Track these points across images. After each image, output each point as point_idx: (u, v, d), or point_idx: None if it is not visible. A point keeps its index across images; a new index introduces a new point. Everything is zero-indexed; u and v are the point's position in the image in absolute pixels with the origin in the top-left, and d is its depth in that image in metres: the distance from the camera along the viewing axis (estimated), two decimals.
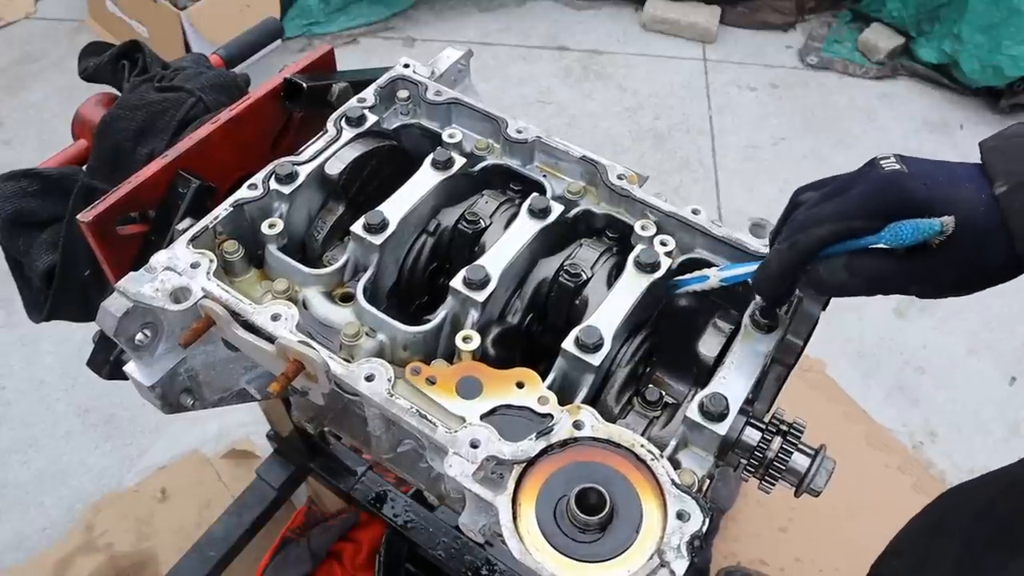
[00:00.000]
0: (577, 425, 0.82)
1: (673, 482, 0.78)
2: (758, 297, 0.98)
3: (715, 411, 0.85)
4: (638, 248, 1.01)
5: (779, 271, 0.84)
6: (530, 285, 1.02)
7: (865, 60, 3.75)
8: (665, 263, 1.00)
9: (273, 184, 1.05)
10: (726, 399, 0.86)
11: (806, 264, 0.82)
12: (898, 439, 2.49)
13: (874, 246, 0.78)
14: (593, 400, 0.93)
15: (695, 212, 1.03)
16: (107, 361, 1.17)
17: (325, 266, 1.04)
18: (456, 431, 0.82)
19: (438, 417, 0.84)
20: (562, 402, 0.86)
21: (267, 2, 3.53)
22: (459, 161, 1.09)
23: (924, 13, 3.61)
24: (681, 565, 0.73)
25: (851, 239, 0.79)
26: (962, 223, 0.73)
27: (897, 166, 0.78)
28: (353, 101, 1.17)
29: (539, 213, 1.03)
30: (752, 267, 0.90)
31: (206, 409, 1.04)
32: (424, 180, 1.07)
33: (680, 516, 0.76)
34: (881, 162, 0.80)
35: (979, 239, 0.74)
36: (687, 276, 0.99)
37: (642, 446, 0.80)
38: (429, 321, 0.96)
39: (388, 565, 1.88)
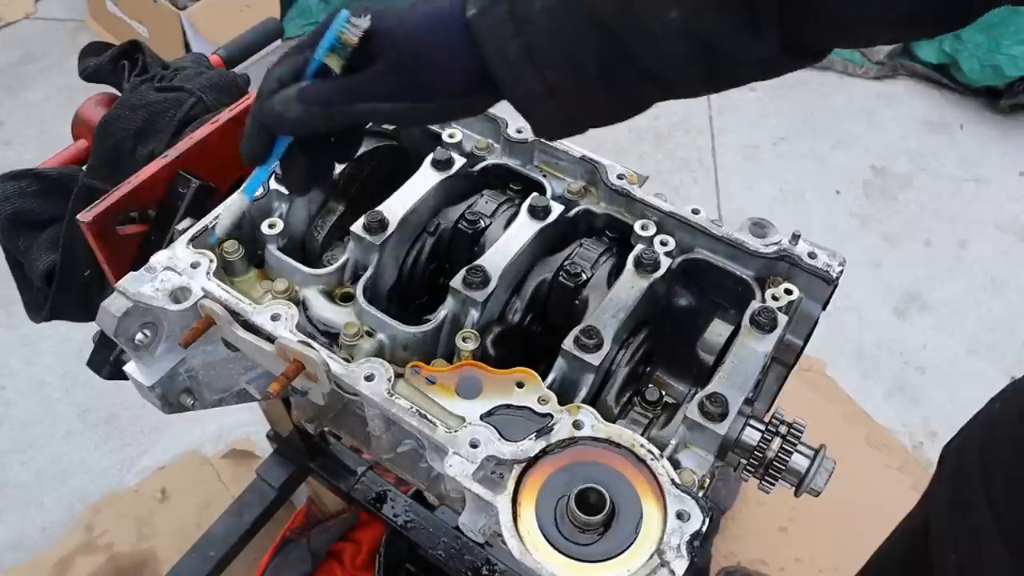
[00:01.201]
0: (577, 425, 0.82)
1: (673, 482, 0.78)
2: (754, 302, 0.98)
3: (715, 411, 0.85)
4: (638, 248, 1.01)
5: (249, 125, 0.81)
6: (530, 285, 1.03)
7: (865, 60, 3.75)
8: (665, 263, 1.00)
9: (273, 184, 1.05)
10: (726, 399, 0.86)
11: (272, 116, 0.79)
12: (898, 439, 2.49)
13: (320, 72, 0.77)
14: (593, 400, 0.93)
15: (695, 212, 1.03)
16: (107, 361, 1.17)
17: (325, 266, 1.04)
18: (456, 431, 0.82)
19: (438, 417, 0.84)
20: (562, 402, 0.86)
21: (267, 2, 3.53)
22: (459, 161, 1.09)
23: None
24: (681, 565, 0.73)
25: (304, 71, 0.78)
26: (380, 22, 0.75)
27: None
28: None
29: (539, 213, 1.03)
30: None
31: (206, 409, 1.04)
32: (424, 180, 1.07)
33: (680, 516, 0.76)
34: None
35: (434, 52, 0.73)
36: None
37: (642, 446, 0.80)
38: (429, 321, 0.96)
39: (388, 565, 1.88)
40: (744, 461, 0.89)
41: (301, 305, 0.98)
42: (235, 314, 0.92)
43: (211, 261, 0.95)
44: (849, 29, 0.70)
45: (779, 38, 0.68)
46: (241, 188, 0.93)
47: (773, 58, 0.70)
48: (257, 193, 0.95)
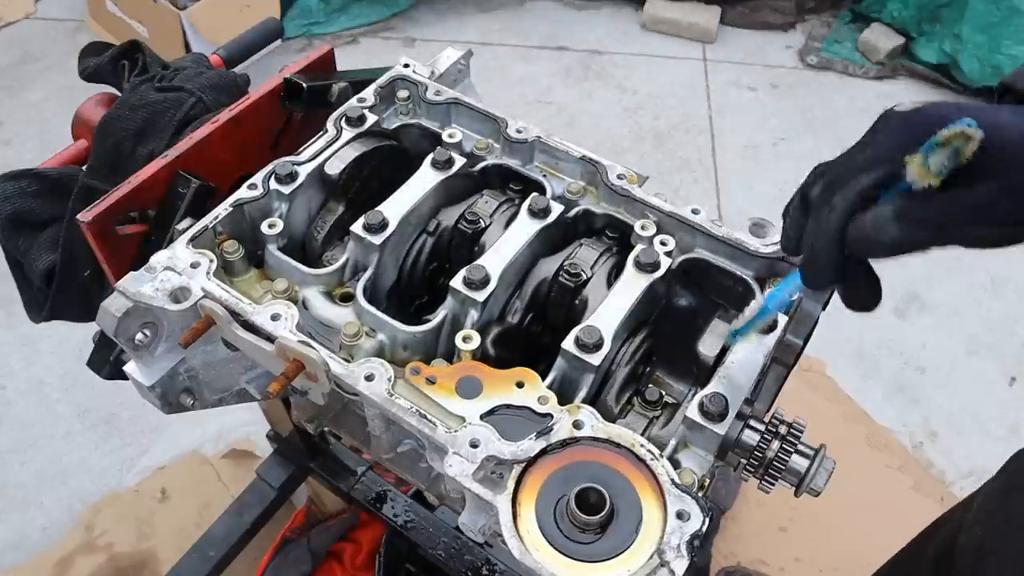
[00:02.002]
0: (577, 425, 0.82)
1: (673, 482, 0.78)
2: (754, 302, 0.98)
3: (715, 411, 0.85)
4: (638, 248, 1.01)
5: (826, 248, 0.74)
6: (530, 285, 1.02)
7: (865, 60, 3.75)
8: (665, 263, 1.00)
9: (273, 184, 1.05)
10: (726, 399, 0.86)
11: (846, 228, 0.72)
12: (898, 439, 2.49)
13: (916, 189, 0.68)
14: (593, 400, 0.93)
15: (695, 212, 1.03)
16: (107, 361, 1.17)
17: (325, 266, 1.04)
18: (456, 431, 0.82)
19: (438, 417, 0.84)
20: (562, 402, 0.86)
21: (267, 2, 3.53)
22: (459, 161, 1.09)
23: (924, 13, 3.62)
24: (681, 565, 0.73)
25: (893, 182, 0.70)
26: (1001, 134, 0.65)
27: (917, 106, 0.71)
28: (353, 101, 1.17)
29: (539, 213, 1.03)
30: (793, 279, 0.82)
31: (206, 409, 1.04)
32: (424, 180, 1.07)
33: (680, 516, 0.76)
34: (895, 107, 0.73)
35: (1018, 153, 0.66)
36: (743, 322, 0.91)
37: (642, 446, 0.80)
38: (429, 321, 0.96)
39: (388, 565, 1.88)
40: (744, 461, 0.89)
41: (301, 305, 0.98)
42: (235, 314, 0.92)
43: (211, 261, 0.95)
44: None
45: None
46: (766, 294, 0.88)
47: None
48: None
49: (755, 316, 0.90)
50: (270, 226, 1.02)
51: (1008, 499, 1.20)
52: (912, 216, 0.69)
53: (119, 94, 1.28)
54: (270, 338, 0.90)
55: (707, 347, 1.00)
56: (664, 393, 0.99)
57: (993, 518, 1.22)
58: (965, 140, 0.65)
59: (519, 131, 1.13)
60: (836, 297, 1.01)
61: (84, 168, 1.23)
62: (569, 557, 0.74)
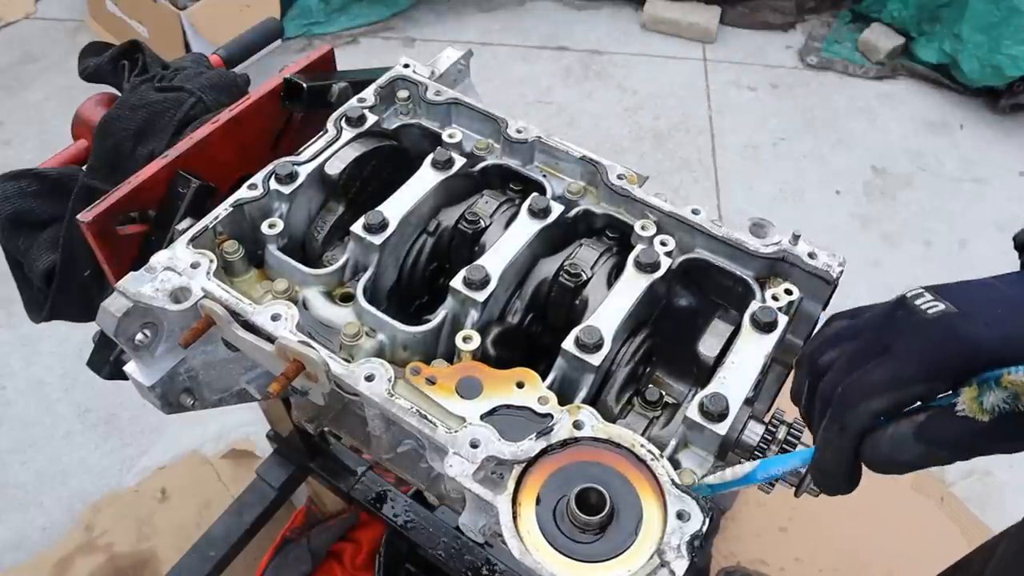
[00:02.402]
0: (577, 425, 0.82)
1: (673, 482, 0.78)
2: (754, 302, 0.98)
3: (715, 411, 0.85)
4: (638, 248, 1.01)
5: (836, 462, 0.69)
6: (530, 285, 1.02)
7: (865, 60, 3.75)
8: (665, 263, 1.00)
9: (273, 184, 1.05)
10: (726, 399, 0.86)
11: (863, 443, 0.67)
12: None
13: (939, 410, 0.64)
14: (593, 400, 0.93)
15: (695, 212, 1.03)
16: (107, 361, 1.17)
17: (325, 266, 1.04)
18: (456, 431, 0.82)
19: (438, 417, 0.84)
20: (562, 402, 0.86)
21: (267, 2, 3.53)
22: (459, 161, 1.09)
23: (924, 13, 3.62)
24: (681, 565, 0.73)
25: (912, 406, 0.65)
26: None
27: (941, 306, 0.64)
28: (353, 101, 1.17)
29: (539, 213, 1.03)
30: (795, 460, 0.78)
31: (206, 409, 1.04)
32: (424, 180, 1.07)
33: (680, 516, 0.76)
34: (918, 303, 0.66)
35: None
36: (721, 480, 0.83)
37: (642, 446, 0.80)
38: (429, 321, 0.96)
39: (388, 565, 1.88)
40: (744, 461, 0.89)
41: (301, 305, 0.98)
42: (235, 314, 0.92)
43: (211, 261, 0.95)
44: None
45: None
46: (758, 462, 0.81)
47: None
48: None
49: (738, 480, 0.82)
50: (270, 226, 1.02)
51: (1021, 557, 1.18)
52: (937, 438, 0.64)
53: (119, 94, 1.28)
54: (270, 338, 0.90)
55: (707, 347, 1.00)
56: (664, 393, 0.99)
57: (1013, 571, 1.20)
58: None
59: (519, 131, 1.13)
60: (836, 297, 1.01)
61: (84, 168, 1.23)
62: (569, 557, 0.74)
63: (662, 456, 0.80)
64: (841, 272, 0.98)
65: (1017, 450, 0.66)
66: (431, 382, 0.87)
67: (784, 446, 0.88)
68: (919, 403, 0.65)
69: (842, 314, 0.75)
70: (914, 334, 0.65)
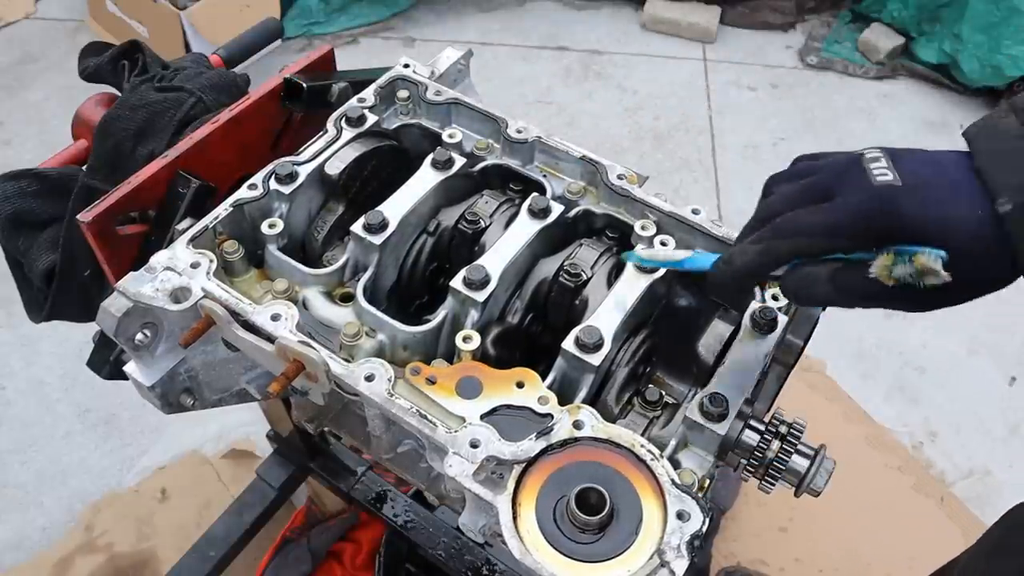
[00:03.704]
0: (577, 425, 0.82)
1: (673, 482, 0.78)
2: (754, 302, 0.97)
3: (715, 411, 0.85)
4: (638, 248, 1.01)
5: (744, 273, 0.77)
6: (530, 285, 1.02)
7: (865, 60, 3.75)
8: None
9: (273, 184, 1.05)
10: (726, 399, 0.86)
11: (777, 269, 0.75)
12: (898, 439, 2.49)
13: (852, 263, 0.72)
14: (593, 400, 0.93)
15: (695, 212, 1.03)
16: (107, 361, 1.17)
17: (325, 266, 1.04)
18: (456, 431, 0.82)
19: (438, 417, 0.84)
20: (562, 402, 0.86)
21: (267, 2, 3.53)
22: (459, 161, 1.09)
23: (924, 13, 3.62)
24: (681, 565, 0.73)
25: (832, 255, 0.72)
26: (960, 250, 0.67)
27: (889, 176, 0.70)
28: (353, 101, 1.17)
29: (539, 213, 1.03)
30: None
31: (206, 409, 1.04)
32: (424, 180, 1.07)
33: (680, 516, 0.76)
34: (871, 166, 0.71)
35: (977, 263, 0.68)
36: (650, 256, 0.94)
37: (642, 446, 0.80)
38: (429, 321, 0.96)
39: (388, 565, 1.88)
40: (744, 461, 0.89)
41: (301, 305, 0.98)
42: (235, 314, 0.92)
43: (211, 261, 0.95)
44: None
45: None
46: (693, 251, 0.89)
47: None
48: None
49: (669, 261, 0.91)
50: (270, 226, 1.02)
51: (991, 559, 1.19)
52: (847, 287, 0.72)
53: (119, 94, 1.28)
54: (270, 338, 0.90)
55: (707, 347, 1.00)
56: (664, 393, 0.99)
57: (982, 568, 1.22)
58: (935, 275, 0.67)
59: (519, 131, 1.13)
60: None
61: (84, 168, 1.23)
62: (569, 557, 0.74)
63: (662, 456, 0.80)
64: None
65: (907, 311, 0.74)
66: (431, 382, 0.87)
67: (785, 446, 0.88)
68: (840, 254, 0.72)
69: (807, 156, 0.80)
70: (856, 194, 0.70)
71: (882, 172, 0.70)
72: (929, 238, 0.67)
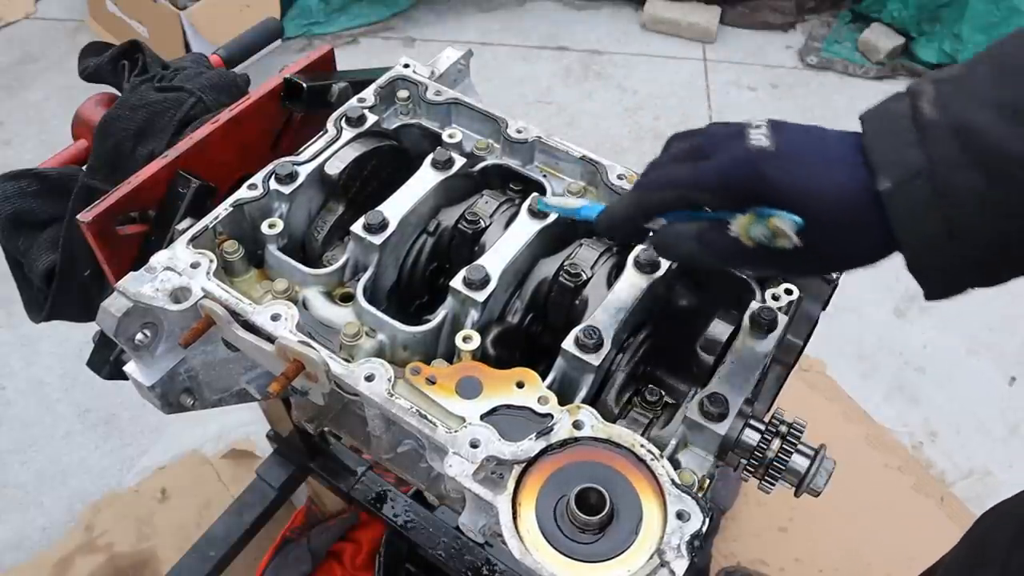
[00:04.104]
0: (577, 425, 0.82)
1: (673, 482, 0.78)
2: (754, 302, 0.97)
3: (715, 411, 0.85)
4: (638, 248, 1.01)
5: (621, 221, 0.82)
6: (530, 285, 1.02)
7: (865, 60, 3.75)
8: (665, 263, 1.00)
9: (273, 184, 1.05)
10: (726, 399, 0.86)
11: (649, 219, 0.79)
12: (898, 439, 2.49)
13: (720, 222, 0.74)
14: (593, 400, 0.93)
15: None
16: (107, 361, 1.17)
17: (325, 266, 1.04)
18: (456, 431, 0.82)
19: (438, 417, 0.84)
20: (562, 402, 0.86)
21: (267, 2, 3.53)
22: (459, 161, 1.09)
23: (924, 13, 3.62)
24: (681, 565, 0.73)
25: (698, 211, 0.76)
26: (820, 220, 0.68)
27: (765, 142, 0.72)
28: (353, 101, 1.17)
29: (539, 213, 1.03)
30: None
31: (206, 409, 1.04)
32: (424, 180, 1.07)
33: (680, 516, 0.76)
34: (751, 132, 0.74)
35: (842, 237, 0.70)
36: (556, 203, 0.98)
37: (642, 446, 0.80)
38: (429, 321, 0.96)
39: (388, 565, 1.88)
40: (744, 461, 0.89)
41: (301, 305, 0.98)
42: (235, 314, 0.92)
43: (211, 261, 0.95)
44: None
45: None
46: (591, 201, 0.93)
47: None
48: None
49: (567, 208, 0.95)
50: (270, 226, 1.02)
51: (972, 572, 1.19)
52: (710, 244, 0.75)
53: (119, 94, 1.28)
54: (270, 338, 0.90)
55: (707, 347, 1.00)
56: (664, 393, 0.99)
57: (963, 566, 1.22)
58: (787, 238, 0.69)
59: (519, 131, 1.13)
60: (836, 297, 1.01)
61: (84, 168, 1.23)
62: (569, 557, 0.74)
63: (662, 456, 0.80)
64: (841, 272, 0.98)
65: (768, 275, 0.83)
66: (431, 382, 0.87)
67: (785, 445, 0.88)
68: (709, 212, 0.75)
69: (720, 123, 0.81)
70: (729, 155, 0.73)
71: (758, 138, 0.73)
72: (790, 204, 0.69)
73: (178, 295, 0.93)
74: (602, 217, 0.85)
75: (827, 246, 0.71)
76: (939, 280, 0.72)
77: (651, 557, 0.74)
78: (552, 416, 0.83)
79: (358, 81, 1.23)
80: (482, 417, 0.84)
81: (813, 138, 0.75)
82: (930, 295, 0.75)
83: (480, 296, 0.95)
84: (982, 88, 0.66)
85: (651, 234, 0.82)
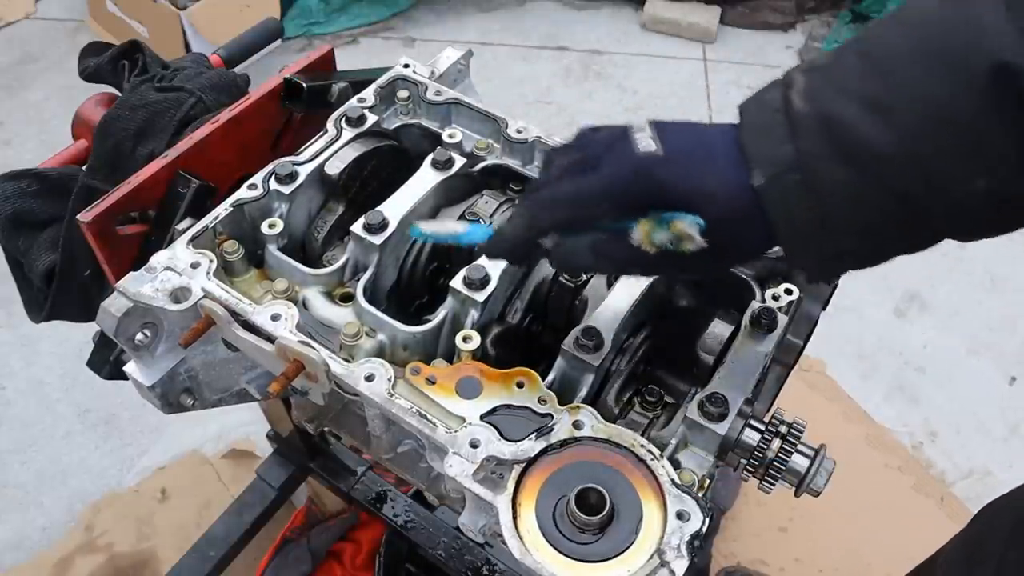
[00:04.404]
0: (577, 425, 0.82)
1: (673, 482, 0.78)
2: (754, 302, 0.98)
3: (715, 411, 0.85)
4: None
5: (512, 244, 0.80)
6: (530, 285, 1.02)
7: None
8: None
9: (273, 184, 1.05)
10: (726, 399, 0.86)
11: (543, 238, 0.77)
12: (898, 439, 2.49)
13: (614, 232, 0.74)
14: (593, 400, 0.93)
15: None
16: (107, 361, 1.17)
17: (325, 266, 1.04)
18: (456, 431, 0.82)
19: (438, 417, 0.84)
20: (562, 402, 0.86)
21: (267, 2, 3.53)
22: (459, 161, 1.09)
23: None
24: (681, 565, 0.73)
25: (597, 222, 0.75)
26: (715, 218, 0.69)
27: (653, 146, 0.72)
28: (353, 101, 1.17)
29: None
30: (484, 232, 0.86)
31: (206, 409, 1.04)
32: (424, 180, 1.07)
33: (680, 516, 0.76)
34: (636, 136, 0.74)
35: (736, 233, 0.71)
36: (431, 230, 0.93)
37: (642, 446, 0.80)
38: (429, 321, 0.96)
39: (388, 565, 1.88)
40: (744, 461, 0.89)
41: (301, 305, 0.98)
42: (235, 314, 0.92)
43: (211, 261, 0.95)
44: None
45: None
46: (469, 227, 0.90)
47: None
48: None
49: (444, 236, 0.91)
50: (270, 226, 1.02)
51: (972, 572, 1.20)
52: (608, 255, 0.75)
53: (119, 94, 1.28)
54: (270, 338, 0.90)
55: (707, 347, 1.00)
56: (664, 393, 0.99)
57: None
58: (691, 240, 0.69)
59: (519, 131, 1.13)
60: (836, 297, 1.01)
61: (84, 168, 1.23)
62: (569, 557, 0.74)
63: (662, 456, 0.80)
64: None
65: (672, 277, 0.84)
66: (431, 382, 0.87)
67: (785, 445, 0.88)
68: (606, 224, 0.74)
69: (590, 128, 0.82)
70: (618, 163, 0.72)
71: (646, 143, 0.73)
72: (687, 206, 0.70)
73: (178, 295, 0.93)
74: (494, 242, 0.82)
75: (723, 243, 0.72)
76: (815, 267, 0.74)
77: (651, 557, 0.74)
78: (552, 416, 0.84)
79: (358, 81, 1.23)
80: (482, 417, 0.84)
81: (697, 137, 0.74)
82: (811, 279, 0.81)
83: (480, 296, 0.95)
84: (849, 79, 0.67)
85: (547, 250, 0.79)
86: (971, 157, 0.64)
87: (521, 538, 0.75)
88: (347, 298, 1.00)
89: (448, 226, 0.92)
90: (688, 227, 0.69)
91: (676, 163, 0.71)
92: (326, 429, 1.10)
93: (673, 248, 0.70)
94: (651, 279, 0.98)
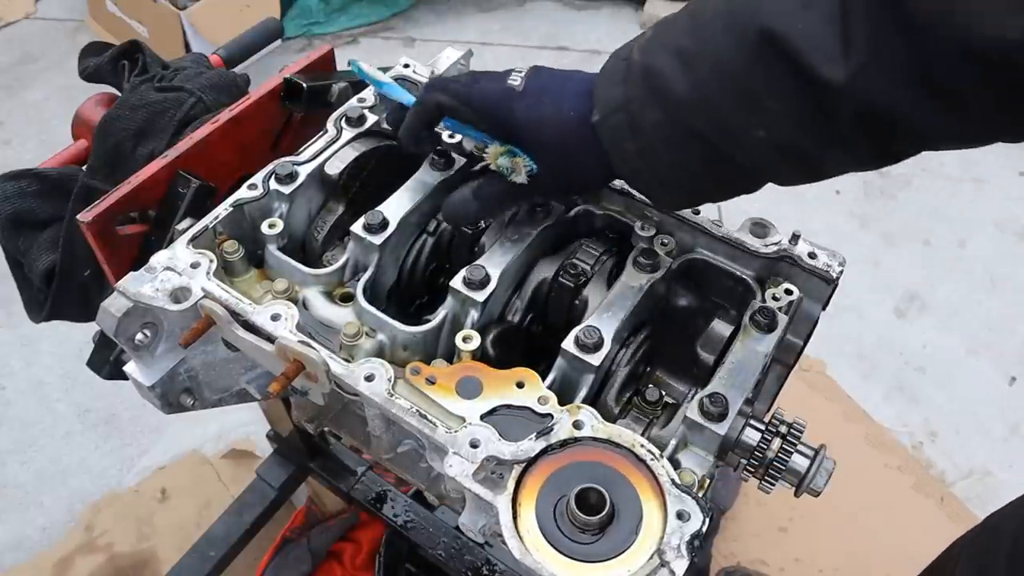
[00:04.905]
0: (577, 425, 0.82)
1: (673, 482, 0.78)
2: (754, 302, 0.98)
3: (715, 411, 0.85)
4: (638, 248, 1.01)
5: (410, 122, 0.96)
6: (530, 285, 1.03)
7: None
8: (665, 263, 1.00)
9: (273, 184, 1.05)
10: (726, 399, 0.86)
11: (433, 123, 0.95)
12: (898, 439, 2.49)
13: (491, 173, 0.91)
14: (593, 400, 0.93)
15: (695, 212, 1.03)
16: (107, 361, 1.17)
17: (325, 266, 1.04)
18: (456, 431, 0.82)
19: (438, 417, 0.84)
20: (562, 402, 0.86)
21: (267, 2, 3.53)
22: (459, 161, 1.09)
23: None
24: (681, 565, 0.73)
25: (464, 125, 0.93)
26: (548, 147, 0.85)
27: (516, 83, 0.87)
28: (353, 101, 1.17)
29: (539, 213, 1.03)
30: (408, 100, 1.01)
31: (206, 409, 1.04)
32: (424, 180, 1.07)
33: (680, 516, 0.76)
34: (512, 73, 0.89)
35: (573, 159, 0.86)
36: (369, 72, 1.08)
37: (642, 446, 0.80)
38: (429, 321, 0.96)
39: (388, 565, 1.88)
40: (744, 461, 0.89)
41: (301, 305, 0.98)
42: (235, 314, 0.92)
43: (211, 261, 0.95)
44: (935, 143, 0.75)
45: (868, 150, 0.74)
46: (394, 86, 1.05)
47: (862, 163, 0.78)
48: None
49: (372, 79, 1.07)
50: (270, 226, 1.02)
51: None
52: (486, 195, 0.93)
53: (119, 94, 1.28)
54: (270, 338, 0.90)
55: (707, 347, 1.00)
56: (664, 393, 0.99)
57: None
58: (519, 174, 0.88)
59: None
60: (836, 297, 1.01)
61: (84, 168, 1.23)
62: (569, 557, 0.74)
63: (662, 456, 0.80)
64: (841, 272, 0.99)
65: (529, 202, 1.01)
66: (431, 382, 0.87)
67: (785, 445, 0.88)
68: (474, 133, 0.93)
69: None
70: (489, 87, 0.89)
71: (514, 79, 0.88)
72: (526, 132, 0.86)
73: (178, 295, 0.93)
74: (403, 126, 0.97)
75: (563, 168, 0.88)
76: (649, 193, 0.89)
77: (651, 557, 0.74)
78: (552, 416, 0.83)
79: (358, 81, 1.23)
80: (482, 417, 0.84)
81: (560, 80, 0.87)
82: (658, 207, 0.98)
83: (480, 296, 0.95)
84: (672, 35, 0.78)
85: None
86: (749, 109, 0.74)
87: (521, 538, 0.75)
88: (347, 298, 1.00)
89: (379, 75, 1.07)
90: (523, 164, 0.88)
91: (528, 98, 0.87)
92: (326, 429, 1.10)
93: (507, 174, 0.89)
94: (651, 279, 0.98)
